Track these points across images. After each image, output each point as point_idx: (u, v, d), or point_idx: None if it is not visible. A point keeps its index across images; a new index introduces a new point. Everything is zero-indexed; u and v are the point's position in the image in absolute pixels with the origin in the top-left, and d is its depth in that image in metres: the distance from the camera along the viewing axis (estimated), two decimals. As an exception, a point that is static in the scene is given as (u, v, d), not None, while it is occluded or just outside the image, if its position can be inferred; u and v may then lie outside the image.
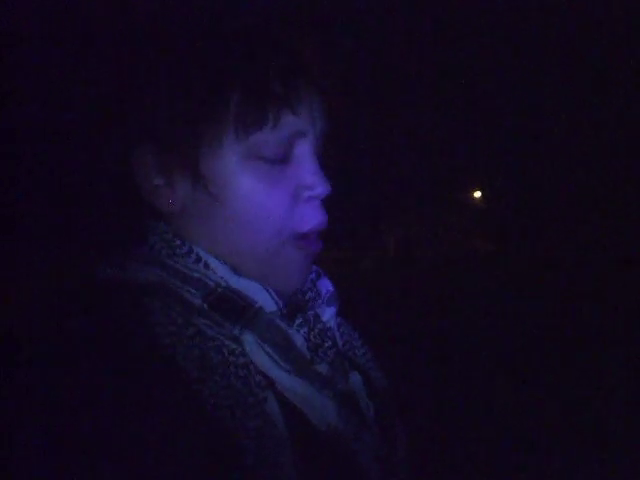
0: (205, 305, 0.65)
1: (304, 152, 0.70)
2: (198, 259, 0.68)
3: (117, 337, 0.60)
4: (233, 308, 0.65)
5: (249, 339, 0.65)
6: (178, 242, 0.68)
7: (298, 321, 0.68)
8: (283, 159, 0.68)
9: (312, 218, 0.70)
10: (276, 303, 0.68)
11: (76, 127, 0.73)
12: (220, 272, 0.68)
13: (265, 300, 0.68)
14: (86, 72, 0.73)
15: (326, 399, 0.67)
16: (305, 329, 0.68)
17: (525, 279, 11.45)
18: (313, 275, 0.79)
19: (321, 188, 0.70)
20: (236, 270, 0.69)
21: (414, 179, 18.04)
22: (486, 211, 21.24)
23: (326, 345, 0.69)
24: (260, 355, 0.65)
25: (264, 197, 0.67)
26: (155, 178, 0.68)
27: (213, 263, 0.68)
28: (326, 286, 0.78)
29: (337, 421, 0.67)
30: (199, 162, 0.66)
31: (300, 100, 0.68)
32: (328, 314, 0.73)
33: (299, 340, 0.67)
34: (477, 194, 22.32)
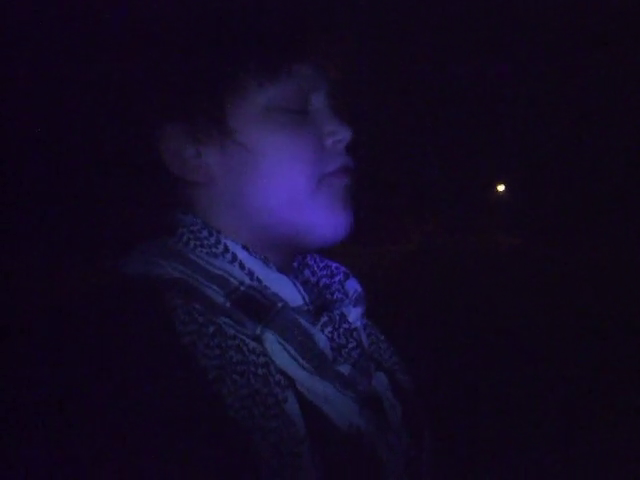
0: (228, 303, 0.64)
1: (319, 104, 0.73)
2: (226, 250, 0.68)
3: (137, 335, 0.60)
4: (256, 307, 0.65)
5: (270, 338, 0.64)
6: (205, 233, 0.69)
7: (323, 320, 0.68)
8: (302, 110, 0.70)
9: (337, 160, 0.72)
10: (302, 297, 0.68)
11: (101, 113, 0.73)
12: (249, 264, 0.68)
13: (292, 294, 0.67)
14: (110, 54, 0.73)
15: (348, 400, 0.66)
16: (330, 328, 0.67)
17: (550, 273, 11.34)
18: (341, 276, 0.79)
19: (343, 133, 0.72)
20: (266, 259, 0.69)
21: (438, 174, 17.94)
22: (510, 204, 21.07)
23: (350, 346, 0.68)
24: (281, 354, 0.64)
25: (292, 144, 0.69)
26: (185, 150, 0.69)
27: (241, 254, 0.68)
28: (354, 287, 0.78)
29: (359, 421, 0.66)
30: (227, 117, 0.68)
31: (313, 49, 0.71)
32: (355, 314, 0.73)
33: (322, 340, 0.66)
34: (501, 187, 22.15)
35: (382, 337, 0.81)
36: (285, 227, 0.70)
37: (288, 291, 0.67)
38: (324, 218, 0.70)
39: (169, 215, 0.72)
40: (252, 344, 0.64)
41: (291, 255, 0.75)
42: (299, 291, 0.68)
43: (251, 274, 0.67)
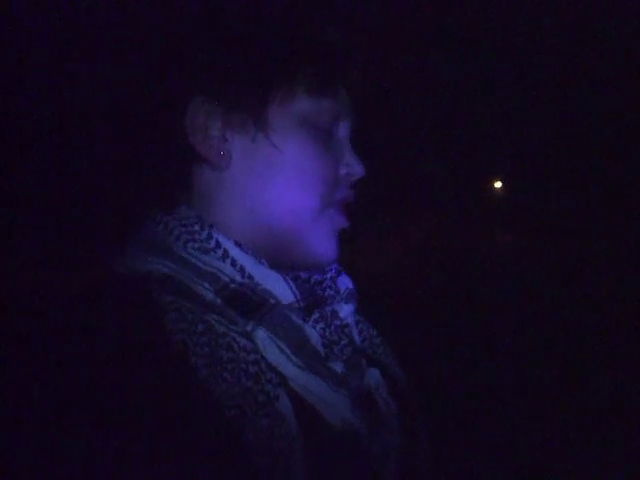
0: (218, 300, 0.64)
1: (344, 133, 0.75)
2: (217, 245, 0.67)
3: (126, 333, 0.59)
4: (247, 304, 0.65)
5: (262, 335, 0.64)
6: (197, 227, 0.68)
7: (315, 316, 0.67)
8: (330, 132, 0.72)
9: (343, 191, 0.74)
10: (294, 294, 0.67)
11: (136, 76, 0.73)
12: (240, 260, 0.67)
13: (283, 290, 0.67)
14: (163, 28, 0.73)
15: (340, 396, 0.66)
16: (321, 325, 0.67)
17: (548, 270, 11.35)
18: (333, 272, 0.78)
19: (358, 168, 0.74)
20: (258, 256, 0.68)
21: (434, 170, 17.93)
22: (507, 201, 21.06)
23: (342, 342, 0.68)
24: (273, 351, 0.64)
25: (319, 159, 0.70)
26: (212, 130, 0.68)
27: (233, 250, 0.68)
28: (345, 283, 0.78)
29: (351, 418, 0.66)
30: (267, 112, 0.68)
31: (351, 79, 0.73)
32: (346, 311, 0.73)
33: (314, 336, 0.66)
34: (498, 184, 22.14)
35: (375, 333, 0.81)
36: (282, 234, 0.70)
37: (279, 288, 0.67)
38: (320, 240, 0.71)
39: (163, 206, 0.71)
40: (243, 341, 0.63)
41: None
42: (290, 288, 0.68)
43: (242, 270, 0.67)
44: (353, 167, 0.74)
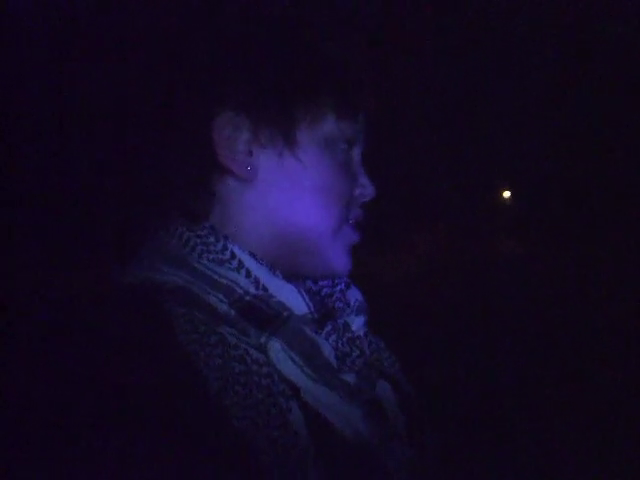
0: (232, 312, 0.65)
1: (357, 154, 0.77)
2: (232, 256, 0.68)
3: (138, 344, 0.60)
4: (260, 316, 0.65)
5: (275, 347, 0.64)
6: (212, 239, 0.68)
7: (327, 328, 0.68)
8: (347, 155, 0.74)
9: (357, 210, 0.77)
10: (307, 306, 0.68)
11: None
12: (255, 271, 0.68)
13: (297, 302, 0.68)
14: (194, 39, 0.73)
15: (353, 408, 0.66)
16: (334, 337, 0.68)
17: (556, 280, 11.28)
18: (342, 285, 0.79)
19: (370, 189, 0.77)
20: (273, 267, 0.69)
21: (442, 180, 17.90)
22: (516, 211, 20.99)
23: (354, 354, 0.68)
24: (286, 363, 0.64)
25: (340, 178, 0.72)
26: (238, 143, 0.69)
27: (248, 262, 0.68)
28: (355, 296, 0.78)
29: (364, 430, 0.66)
30: (296, 132, 0.70)
31: (367, 101, 0.76)
32: (357, 324, 0.73)
33: (327, 348, 0.66)
34: (506, 194, 22.08)
35: (383, 345, 0.81)
36: (299, 247, 0.72)
37: (293, 299, 0.68)
38: (336, 254, 0.74)
39: (179, 219, 0.71)
40: (255, 354, 0.64)
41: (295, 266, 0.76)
42: (304, 299, 0.68)
43: (257, 282, 0.67)
44: (366, 188, 0.77)
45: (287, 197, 0.70)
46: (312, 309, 0.68)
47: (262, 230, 0.70)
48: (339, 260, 0.74)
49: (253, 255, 0.69)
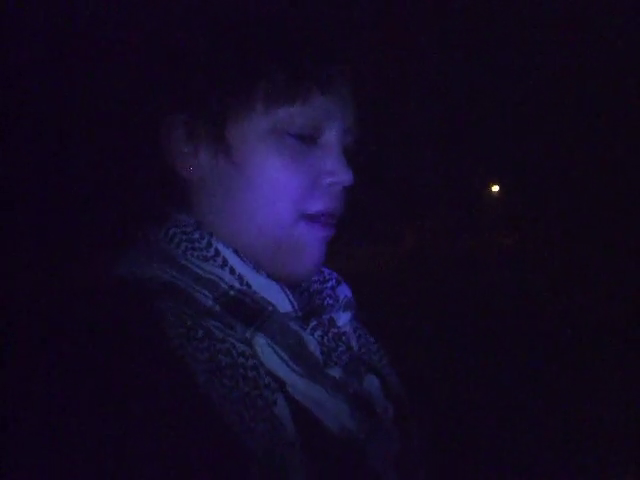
0: (217, 307, 0.64)
1: (331, 138, 0.71)
2: (217, 254, 0.68)
3: (126, 338, 0.60)
4: (246, 310, 0.65)
5: (261, 341, 0.64)
6: (197, 235, 0.69)
7: (312, 324, 0.68)
8: (309, 139, 0.70)
9: (324, 202, 0.71)
10: (291, 304, 0.68)
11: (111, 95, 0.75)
12: (239, 269, 0.68)
13: (281, 300, 0.68)
14: (129, 45, 0.75)
15: (339, 402, 0.66)
16: (319, 332, 0.68)
17: (545, 273, 11.36)
18: (333, 282, 0.79)
19: (344, 176, 0.71)
20: (257, 265, 0.69)
21: (431, 174, 17.97)
22: (504, 205, 21.12)
23: (340, 349, 0.69)
24: (271, 357, 0.64)
25: (284, 174, 0.68)
26: (183, 144, 0.69)
27: (232, 259, 0.68)
28: (344, 292, 0.78)
29: (350, 424, 0.66)
30: (225, 130, 0.68)
31: (331, 83, 0.69)
32: (343, 319, 0.73)
33: (312, 343, 0.66)
34: (495, 188, 22.20)
35: (372, 339, 0.81)
36: (263, 247, 0.70)
37: (277, 297, 0.68)
38: (299, 253, 0.71)
39: (164, 209, 0.72)
40: (241, 347, 0.64)
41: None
42: (288, 298, 0.68)
43: (241, 279, 0.67)
44: (338, 175, 0.71)
45: (231, 198, 0.69)
46: (296, 307, 0.68)
47: (236, 229, 0.70)
48: (302, 260, 0.71)
49: (237, 252, 0.69)
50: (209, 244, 0.68)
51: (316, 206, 0.70)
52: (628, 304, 7.11)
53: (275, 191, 0.68)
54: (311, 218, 0.70)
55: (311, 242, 0.71)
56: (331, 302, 0.76)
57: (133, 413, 0.55)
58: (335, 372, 0.67)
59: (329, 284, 0.78)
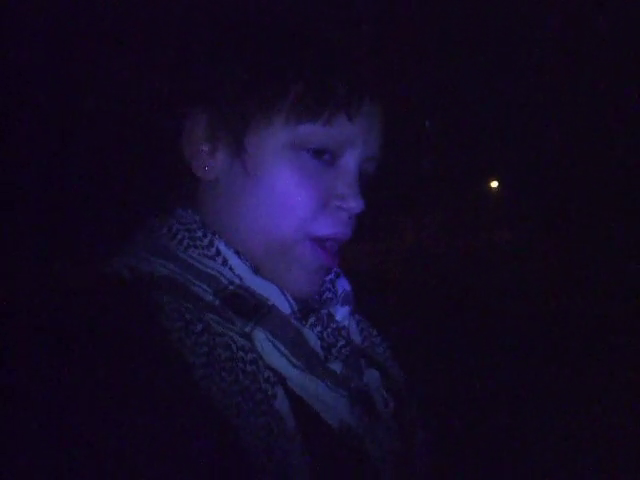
0: (217, 301, 0.64)
1: (350, 163, 0.70)
2: (217, 253, 0.68)
3: (124, 332, 0.59)
4: (245, 305, 0.65)
5: (260, 336, 0.64)
6: (200, 234, 0.69)
7: (311, 320, 0.68)
8: (327, 160, 0.69)
9: (331, 226, 0.70)
10: (290, 306, 0.67)
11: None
12: (238, 270, 0.68)
13: (280, 302, 0.67)
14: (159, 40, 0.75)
15: (339, 396, 0.66)
16: (319, 328, 0.68)
17: (545, 269, 11.35)
18: (332, 275, 0.79)
19: (352, 203, 0.70)
20: (256, 269, 0.68)
21: (431, 170, 17.95)
22: (504, 201, 21.10)
23: (339, 344, 0.68)
24: (271, 352, 0.64)
25: (295, 191, 0.68)
26: (203, 143, 0.69)
27: (232, 260, 0.68)
28: (343, 286, 0.78)
29: (350, 418, 0.66)
30: (245, 136, 0.68)
31: (359, 110, 0.69)
32: (342, 313, 0.73)
33: (312, 338, 0.66)
34: (494, 184, 22.18)
35: (375, 333, 0.81)
36: (265, 256, 0.69)
37: (276, 299, 0.67)
38: (297, 272, 0.70)
39: (167, 204, 0.72)
40: (241, 341, 0.63)
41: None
42: (287, 299, 0.68)
43: (240, 278, 0.67)
44: (347, 201, 0.70)
45: (239, 204, 0.69)
46: (295, 309, 0.68)
47: (240, 232, 0.70)
48: (298, 280, 0.70)
49: (237, 253, 0.68)
50: (211, 243, 0.68)
51: (323, 230, 0.69)
52: (628, 302, 7.10)
53: (283, 206, 0.68)
54: (317, 241, 0.70)
55: (312, 266, 0.70)
56: (330, 295, 0.76)
57: (131, 407, 0.55)
58: (336, 366, 0.67)
59: (328, 277, 0.78)
